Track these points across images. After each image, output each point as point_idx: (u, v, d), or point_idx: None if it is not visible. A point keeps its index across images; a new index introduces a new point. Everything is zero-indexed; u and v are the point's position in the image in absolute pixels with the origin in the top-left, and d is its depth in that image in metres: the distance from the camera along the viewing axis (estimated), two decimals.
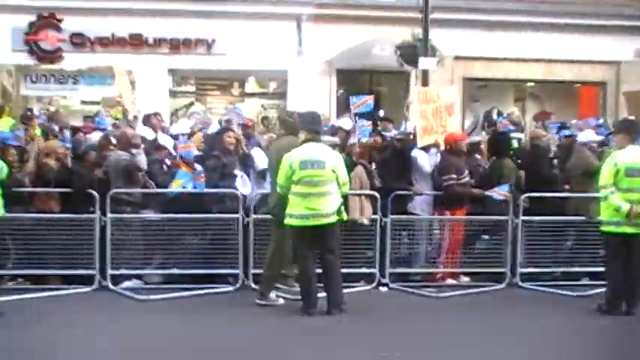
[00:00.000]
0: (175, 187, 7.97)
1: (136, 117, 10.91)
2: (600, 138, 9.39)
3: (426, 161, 8.50)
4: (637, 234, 6.89)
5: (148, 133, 9.43)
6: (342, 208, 6.81)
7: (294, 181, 6.75)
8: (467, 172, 8.46)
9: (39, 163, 8.06)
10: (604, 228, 7.12)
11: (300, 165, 6.72)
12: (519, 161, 9.06)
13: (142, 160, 8.15)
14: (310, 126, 6.99)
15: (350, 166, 7.71)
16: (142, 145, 8.59)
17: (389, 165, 8.41)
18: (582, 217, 8.32)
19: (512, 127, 10.34)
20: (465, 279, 8.60)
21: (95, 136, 9.32)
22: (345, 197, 7.14)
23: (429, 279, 8.52)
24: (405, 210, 8.41)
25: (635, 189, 6.87)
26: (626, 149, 7.08)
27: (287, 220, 6.81)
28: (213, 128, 9.85)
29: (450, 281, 8.51)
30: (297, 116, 7.33)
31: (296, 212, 6.74)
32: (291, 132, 7.27)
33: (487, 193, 8.29)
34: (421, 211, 8.51)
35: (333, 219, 6.66)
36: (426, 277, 8.56)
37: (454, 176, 8.24)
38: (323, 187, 6.67)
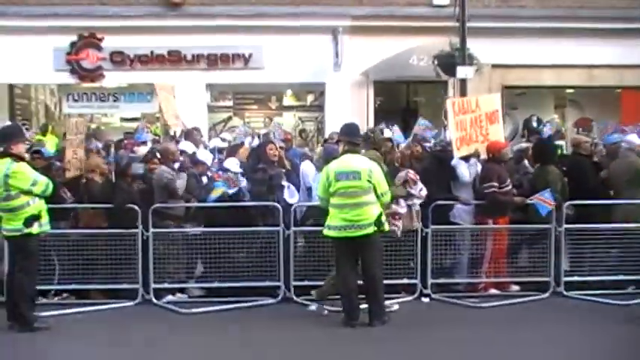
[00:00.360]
0: (214, 195, 8.08)
1: (183, 131, 11.01)
2: None
3: (465, 170, 8.43)
4: None
5: (189, 147, 9.56)
6: (383, 218, 6.76)
7: (331, 193, 6.80)
8: (509, 180, 8.35)
9: (84, 179, 8.25)
10: None
11: (335, 176, 6.78)
12: (564, 169, 8.92)
13: (182, 183, 8.21)
14: (348, 137, 7.04)
15: (392, 175, 7.72)
16: (181, 159, 8.73)
17: (429, 174, 8.38)
18: (627, 225, 8.12)
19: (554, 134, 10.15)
20: (515, 288, 8.48)
21: (142, 150, 9.52)
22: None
23: (472, 289, 8.42)
24: (446, 219, 8.35)
25: None
26: None
27: (325, 231, 6.85)
28: (255, 141, 9.96)
29: (492, 291, 8.40)
30: (378, 133, 7.85)
31: (333, 224, 6.78)
32: (373, 147, 7.64)
33: (529, 200, 8.18)
34: (462, 220, 8.43)
35: (371, 230, 6.64)
36: (468, 288, 8.47)
37: (496, 184, 8.16)
38: (359, 198, 6.67)
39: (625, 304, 7.82)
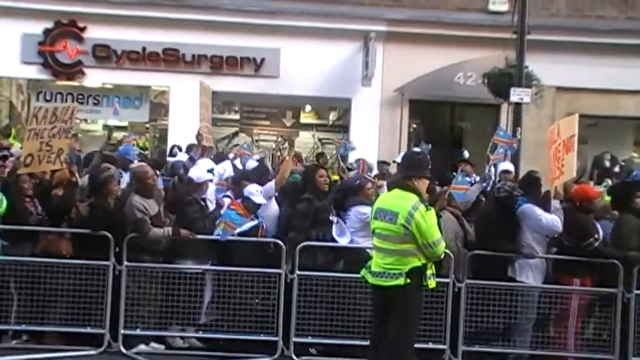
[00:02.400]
0: (220, 229, 8.13)
1: (211, 147, 11.10)
2: None
3: (552, 217, 8.41)
4: None
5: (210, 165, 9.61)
6: (427, 273, 6.71)
7: (372, 231, 6.88)
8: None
9: (50, 196, 8.37)
10: None
11: (374, 214, 6.80)
12: None
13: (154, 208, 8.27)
14: (403, 169, 7.05)
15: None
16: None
17: (491, 222, 8.42)
18: None
19: None
20: None
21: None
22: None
23: None
24: (505, 276, 8.38)
25: None
26: None
27: (362, 272, 6.89)
28: (252, 163, 10.07)
29: None
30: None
31: (370, 267, 6.81)
32: None
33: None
34: (532, 279, 8.42)
35: (401, 281, 6.62)
36: None
37: (597, 236, 8.25)
38: (393, 245, 6.66)
39: None
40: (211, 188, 9.12)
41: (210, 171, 9.39)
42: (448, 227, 8.32)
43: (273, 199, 8.72)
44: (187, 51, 15.01)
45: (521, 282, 8.38)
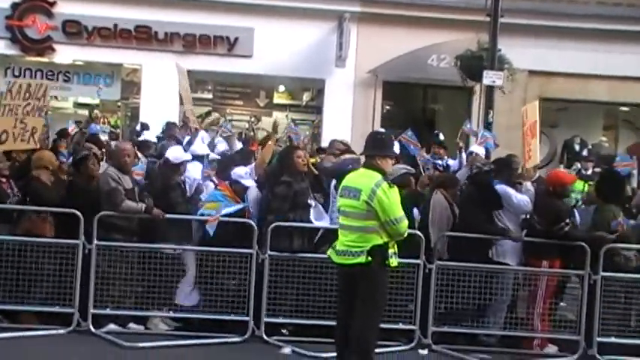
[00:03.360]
0: (206, 209, 8.10)
1: (196, 129, 11.06)
2: None
3: (523, 197, 8.52)
4: None
5: (201, 149, 9.62)
6: (390, 251, 6.77)
7: (338, 209, 6.93)
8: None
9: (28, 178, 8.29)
10: None
11: (340, 192, 6.86)
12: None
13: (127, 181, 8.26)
14: (368, 149, 7.09)
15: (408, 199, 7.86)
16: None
17: (472, 202, 8.47)
18: None
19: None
20: (554, 348, 8.56)
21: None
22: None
23: (524, 344, 8.53)
24: (487, 258, 8.47)
25: None
26: None
27: (329, 252, 6.94)
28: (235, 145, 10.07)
29: (549, 349, 8.51)
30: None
31: (336, 246, 6.86)
32: None
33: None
34: (508, 260, 8.53)
35: (362, 259, 6.68)
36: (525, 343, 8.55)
37: (568, 222, 8.35)
38: (356, 222, 6.73)
39: None
40: (194, 170, 9.05)
41: (199, 158, 9.35)
42: (436, 207, 8.51)
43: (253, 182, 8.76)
44: (160, 29, 14.91)
45: (499, 263, 8.48)
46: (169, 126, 11.38)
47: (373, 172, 6.70)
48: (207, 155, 9.62)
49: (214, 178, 8.99)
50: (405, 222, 6.67)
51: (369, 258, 6.61)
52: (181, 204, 8.36)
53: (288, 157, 8.71)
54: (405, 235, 6.77)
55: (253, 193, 8.65)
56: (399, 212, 6.61)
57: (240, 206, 8.19)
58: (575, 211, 9.26)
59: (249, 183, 8.38)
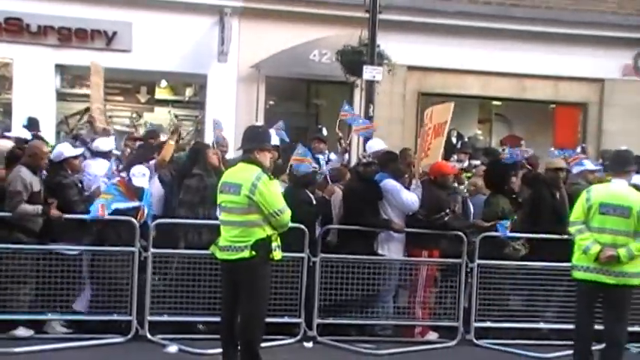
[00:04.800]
0: (99, 200, 7.98)
1: (106, 129, 10.75)
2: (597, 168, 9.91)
3: (411, 195, 8.66)
4: (612, 284, 6.98)
5: (105, 145, 9.41)
6: (273, 245, 6.82)
7: (219, 205, 6.92)
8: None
9: None
10: (574, 274, 7.30)
11: (220, 188, 6.86)
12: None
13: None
14: (245, 143, 7.11)
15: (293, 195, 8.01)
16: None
17: (355, 195, 8.59)
18: (546, 263, 8.60)
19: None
20: (434, 335, 8.82)
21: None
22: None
23: (406, 333, 8.73)
24: (371, 250, 8.64)
25: (608, 229, 7.07)
26: (605, 183, 7.46)
27: (211, 248, 6.92)
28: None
29: (430, 336, 8.77)
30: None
31: (218, 242, 6.86)
32: None
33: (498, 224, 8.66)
34: (389, 251, 8.71)
35: (246, 254, 6.72)
36: (403, 332, 8.78)
37: (448, 212, 8.60)
38: (238, 217, 6.75)
39: (544, 357, 8.23)
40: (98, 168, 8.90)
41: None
42: (336, 203, 8.76)
43: (157, 178, 8.72)
44: (32, 21, 14.40)
45: (383, 255, 8.68)
46: (31, 122, 11.00)
47: (252, 166, 6.74)
48: (110, 151, 9.54)
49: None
50: (288, 212, 6.76)
51: (253, 252, 6.65)
52: (77, 202, 8.16)
53: (202, 152, 8.75)
54: (287, 226, 6.87)
55: (155, 189, 8.65)
56: (281, 203, 6.69)
57: (134, 204, 8.09)
58: (469, 201, 9.54)
59: (142, 183, 8.24)
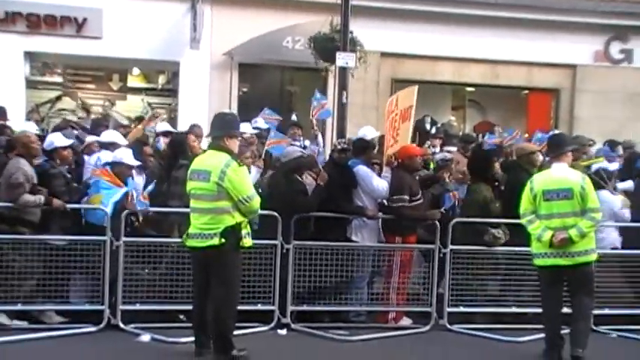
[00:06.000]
0: (91, 202, 8.00)
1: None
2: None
3: (380, 182, 8.66)
4: (571, 265, 7.20)
5: (112, 137, 9.31)
6: (242, 232, 6.81)
7: (188, 193, 6.93)
8: (420, 193, 8.73)
9: None
10: (534, 261, 7.50)
11: (189, 176, 6.87)
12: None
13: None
14: (214, 130, 7.10)
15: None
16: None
17: (330, 182, 8.52)
18: (519, 248, 8.64)
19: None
20: (408, 321, 8.84)
21: None
22: None
23: (380, 319, 8.74)
24: (345, 236, 8.64)
25: (556, 214, 7.24)
26: (546, 170, 7.60)
27: (183, 237, 6.90)
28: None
29: (404, 322, 8.79)
30: None
31: (190, 230, 6.84)
32: None
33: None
34: (361, 238, 8.70)
35: (215, 241, 6.71)
36: (378, 318, 8.78)
37: (406, 197, 8.49)
38: (207, 203, 6.75)
39: (518, 341, 8.27)
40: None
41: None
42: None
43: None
44: (0, 7, 14.18)
45: (356, 242, 8.68)
46: None
47: (221, 153, 6.79)
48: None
49: None
50: (257, 199, 6.80)
51: (223, 240, 6.67)
52: (64, 193, 8.10)
53: (184, 142, 8.85)
54: (257, 212, 6.87)
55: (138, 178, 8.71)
56: (250, 190, 6.75)
57: (123, 190, 8.08)
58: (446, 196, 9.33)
59: (134, 162, 8.33)
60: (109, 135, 9.43)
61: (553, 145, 7.78)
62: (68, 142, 8.50)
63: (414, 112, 9.23)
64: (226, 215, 6.74)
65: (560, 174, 7.34)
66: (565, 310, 7.48)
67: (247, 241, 6.85)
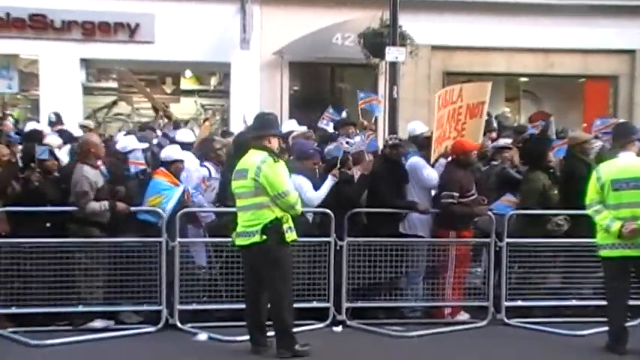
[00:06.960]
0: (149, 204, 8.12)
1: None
2: None
3: (433, 172, 8.65)
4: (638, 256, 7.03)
5: (187, 136, 9.68)
6: (284, 226, 6.85)
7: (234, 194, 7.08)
8: (474, 188, 8.61)
9: None
10: (600, 252, 7.33)
11: (233, 176, 7.02)
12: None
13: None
14: (255, 130, 7.19)
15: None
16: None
17: (381, 177, 8.53)
18: (577, 240, 8.46)
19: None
20: (465, 316, 8.76)
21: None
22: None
23: (436, 314, 8.71)
24: (398, 232, 8.59)
25: (625, 204, 7.07)
26: (613, 159, 7.38)
27: (232, 235, 7.05)
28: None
29: (460, 317, 8.71)
30: None
31: (237, 230, 6.97)
32: None
33: (493, 206, 8.55)
34: (422, 232, 8.68)
35: (257, 238, 6.79)
36: (433, 313, 8.74)
37: (455, 194, 8.39)
38: (247, 200, 6.86)
39: (579, 334, 8.10)
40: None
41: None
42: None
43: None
44: (56, 17, 14.52)
45: (411, 236, 8.61)
46: (56, 117, 11.15)
47: (260, 152, 6.89)
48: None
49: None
50: (294, 194, 6.88)
51: (264, 236, 6.74)
52: (139, 195, 8.30)
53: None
54: (297, 207, 6.90)
55: (195, 174, 8.72)
56: (286, 185, 6.82)
57: (180, 190, 8.20)
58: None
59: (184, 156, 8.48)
60: (184, 134, 9.75)
61: (619, 134, 7.61)
62: (142, 145, 8.72)
63: (486, 108, 9.06)
64: (266, 210, 6.83)
65: (629, 163, 7.17)
66: (631, 302, 7.32)
67: (290, 236, 6.89)
